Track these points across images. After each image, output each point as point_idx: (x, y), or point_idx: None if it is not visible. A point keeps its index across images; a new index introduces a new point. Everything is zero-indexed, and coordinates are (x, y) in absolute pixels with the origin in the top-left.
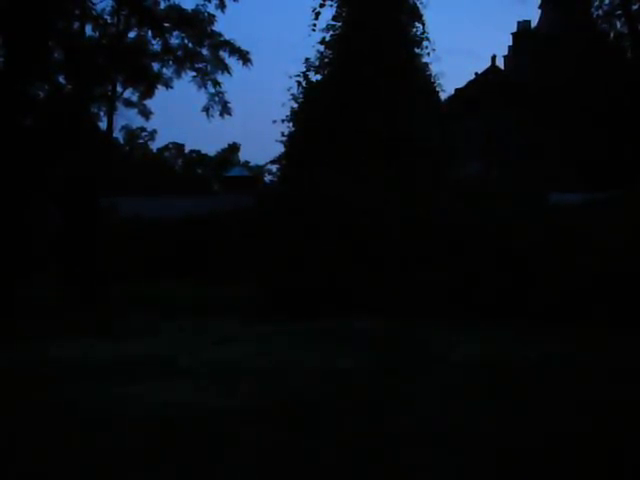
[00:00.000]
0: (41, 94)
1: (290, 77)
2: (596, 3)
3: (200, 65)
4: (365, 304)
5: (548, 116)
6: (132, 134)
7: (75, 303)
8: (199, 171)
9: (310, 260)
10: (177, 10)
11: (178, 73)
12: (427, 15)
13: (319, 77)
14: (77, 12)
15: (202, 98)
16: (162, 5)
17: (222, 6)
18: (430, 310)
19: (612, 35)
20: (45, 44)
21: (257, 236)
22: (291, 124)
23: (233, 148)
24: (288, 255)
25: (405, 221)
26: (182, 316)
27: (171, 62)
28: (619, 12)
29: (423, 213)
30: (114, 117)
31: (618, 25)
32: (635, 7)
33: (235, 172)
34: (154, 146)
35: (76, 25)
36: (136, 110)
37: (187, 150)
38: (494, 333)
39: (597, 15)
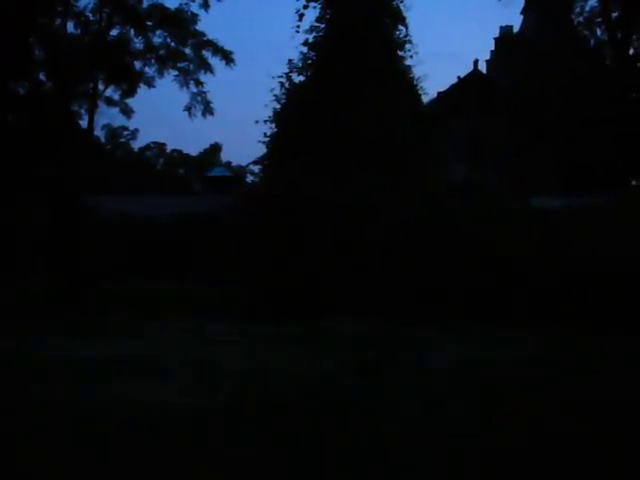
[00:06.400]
0: (21, 91)
1: (273, 78)
2: (577, 10)
3: (183, 64)
4: (349, 305)
5: (532, 121)
6: (113, 133)
7: (58, 302)
8: (181, 171)
9: (294, 261)
10: (160, 9)
11: (160, 72)
12: (410, 18)
13: (302, 78)
14: (59, 9)
15: (184, 97)
16: (145, 3)
17: (206, 5)
18: (414, 312)
19: (592, 42)
20: (26, 41)
21: (241, 237)
22: (273, 125)
23: (215, 148)
24: (272, 256)
25: (388, 222)
26: (166, 316)
27: (153, 61)
28: (599, 19)
29: (406, 214)
30: (95, 115)
31: (598, 32)
32: (615, 14)
33: (217, 172)
34: (135, 145)
35: (58, 22)
36: (118, 109)
37: (169, 150)
38: (478, 335)
39: (578, 22)
